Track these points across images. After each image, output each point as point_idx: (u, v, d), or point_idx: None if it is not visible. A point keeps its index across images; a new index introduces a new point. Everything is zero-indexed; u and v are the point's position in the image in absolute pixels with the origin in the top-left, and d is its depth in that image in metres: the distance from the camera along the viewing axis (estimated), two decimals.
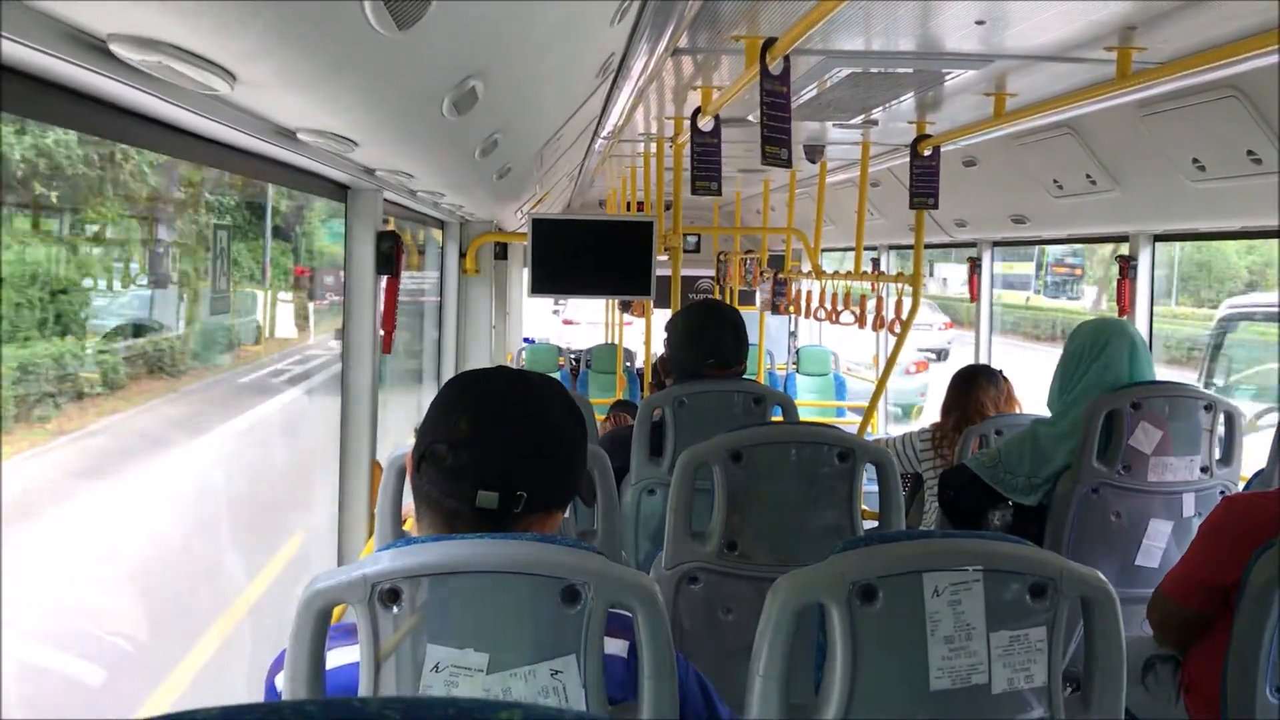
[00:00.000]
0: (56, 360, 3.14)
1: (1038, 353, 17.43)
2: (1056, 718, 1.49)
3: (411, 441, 1.52)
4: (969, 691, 1.45)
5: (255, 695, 1.72)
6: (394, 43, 1.49)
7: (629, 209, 9.24)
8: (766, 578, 1.58)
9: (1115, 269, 4.79)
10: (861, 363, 11.51)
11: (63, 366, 3.19)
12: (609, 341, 10.88)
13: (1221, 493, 3.08)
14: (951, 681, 1.44)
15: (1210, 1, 2.72)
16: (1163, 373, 3.38)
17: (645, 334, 6.34)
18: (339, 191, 3.22)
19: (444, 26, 1.60)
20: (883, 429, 8.10)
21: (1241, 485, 3.13)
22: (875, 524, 2.44)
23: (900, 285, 5.46)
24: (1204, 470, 3.06)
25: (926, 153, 4.81)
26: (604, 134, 5.24)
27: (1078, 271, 25.64)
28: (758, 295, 8.30)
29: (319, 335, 6.83)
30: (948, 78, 3.84)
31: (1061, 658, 1.49)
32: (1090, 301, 24.41)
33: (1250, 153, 3.55)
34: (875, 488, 2.36)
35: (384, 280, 3.37)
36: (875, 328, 5.92)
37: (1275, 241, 3.92)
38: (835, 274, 6.56)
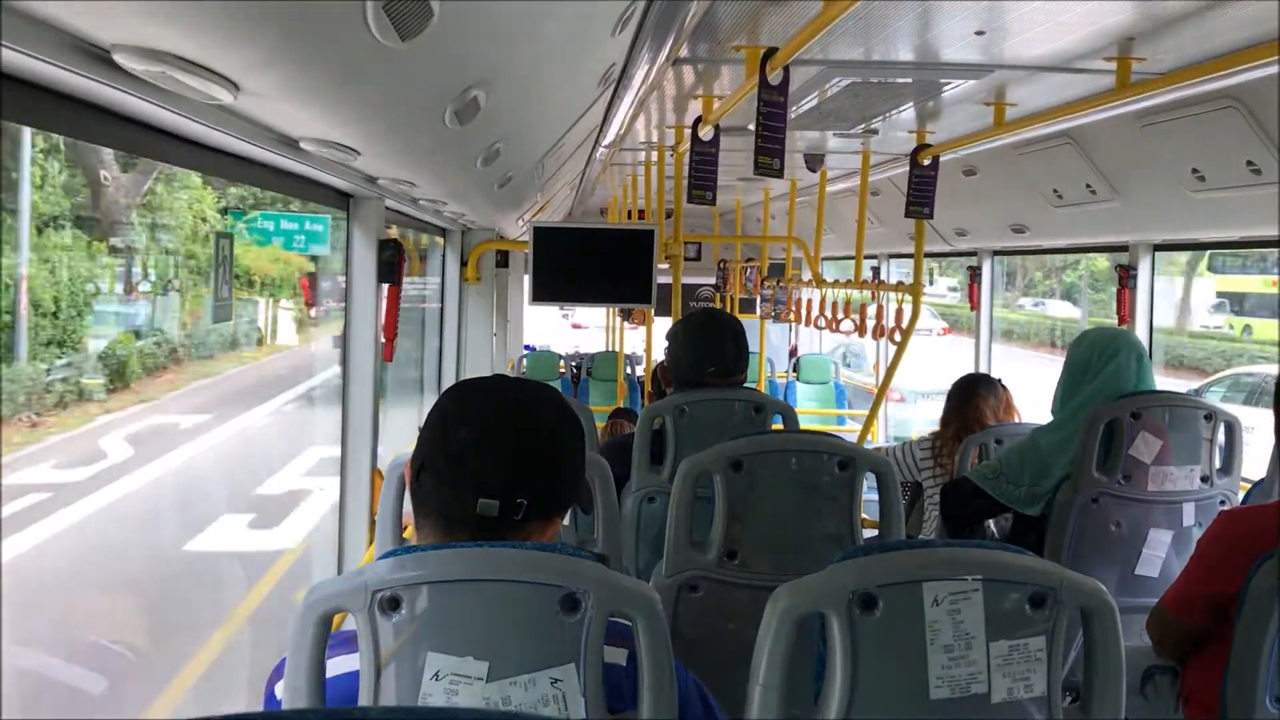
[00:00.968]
0: None
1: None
2: None
3: (411, 449, 1.52)
4: (968, 701, 1.45)
5: (255, 703, 1.72)
6: (397, 53, 1.50)
7: (630, 217, 9.25)
8: (766, 586, 1.58)
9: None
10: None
11: None
12: (611, 349, 10.88)
13: (1222, 502, 3.08)
14: (951, 691, 1.44)
15: (1210, 12, 2.73)
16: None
17: (646, 342, 6.35)
18: (341, 200, 3.22)
19: (446, 37, 1.61)
20: (883, 438, 8.10)
21: (1241, 495, 3.12)
22: (875, 533, 2.44)
23: (900, 294, 5.47)
24: (1204, 480, 3.06)
25: (926, 162, 4.82)
26: (605, 143, 5.25)
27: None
28: (758, 304, 8.31)
29: None
30: (947, 88, 3.85)
31: (1061, 667, 1.49)
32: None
33: (1250, 163, 3.55)
34: (875, 496, 2.36)
35: (385, 288, 3.38)
36: (875, 336, 5.92)
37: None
38: (835, 282, 6.57)
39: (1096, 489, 3.03)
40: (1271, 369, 13.98)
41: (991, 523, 3.41)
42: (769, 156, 3.04)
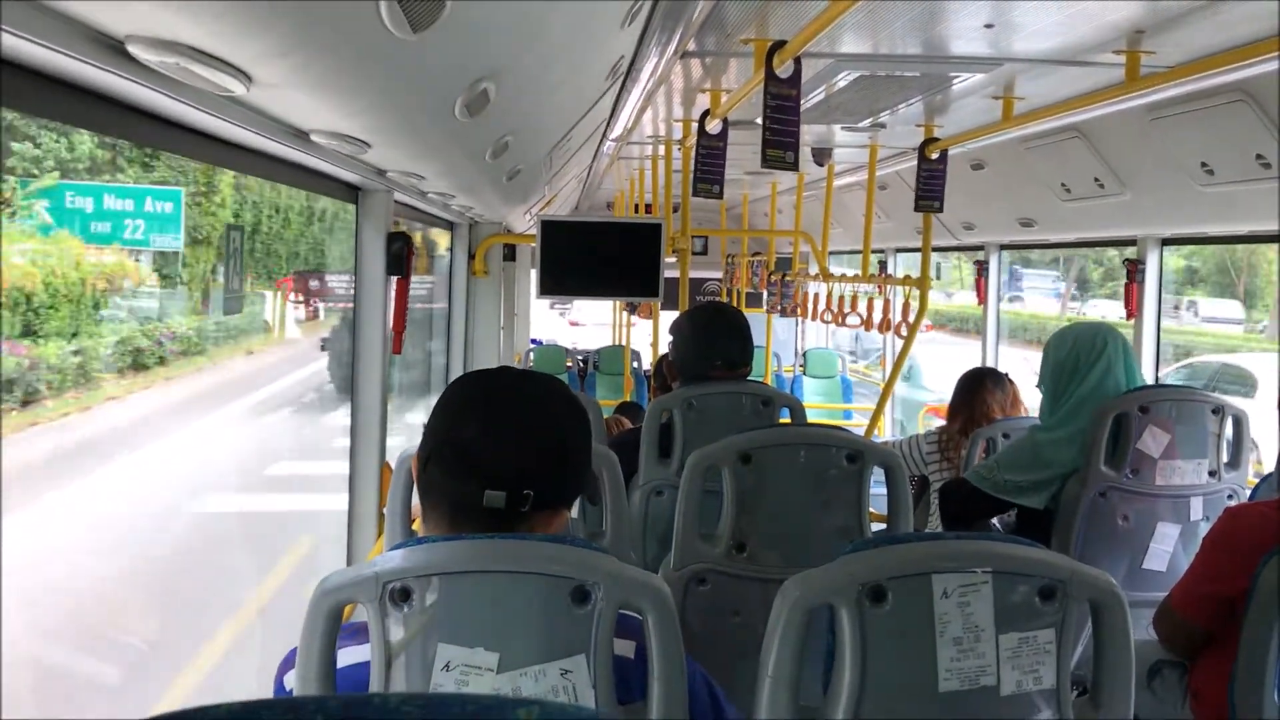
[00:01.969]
0: None
1: None
2: None
3: (419, 441, 1.53)
4: (978, 693, 1.45)
5: (265, 692, 1.73)
6: (408, 45, 1.50)
7: (637, 211, 9.25)
8: (775, 579, 1.58)
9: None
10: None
11: None
12: (616, 343, 10.88)
13: (1230, 496, 3.08)
14: (960, 683, 1.44)
15: (1219, 5, 2.72)
16: None
17: (653, 336, 6.35)
18: (350, 193, 3.23)
19: (457, 29, 1.61)
20: (889, 431, 8.10)
21: (1249, 489, 3.12)
22: (883, 526, 2.45)
23: (907, 289, 5.46)
24: (1212, 474, 3.06)
25: (934, 156, 4.81)
26: (613, 136, 5.25)
27: None
28: (764, 298, 8.31)
29: None
30: (956, 81, 3.85)
31: (1070, 660, 1.49)
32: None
33: (1259, 156, 3.55)
34: (883, 490, 2.36)
35: (394, 281, 3.38)
36: (882, 330, 5.92)
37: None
38: (843, 277, 6.57)
39: (1104, 483, 3.03)
40: None
41: (996, 520, 3.41)
42: (779, 150, 3.04)
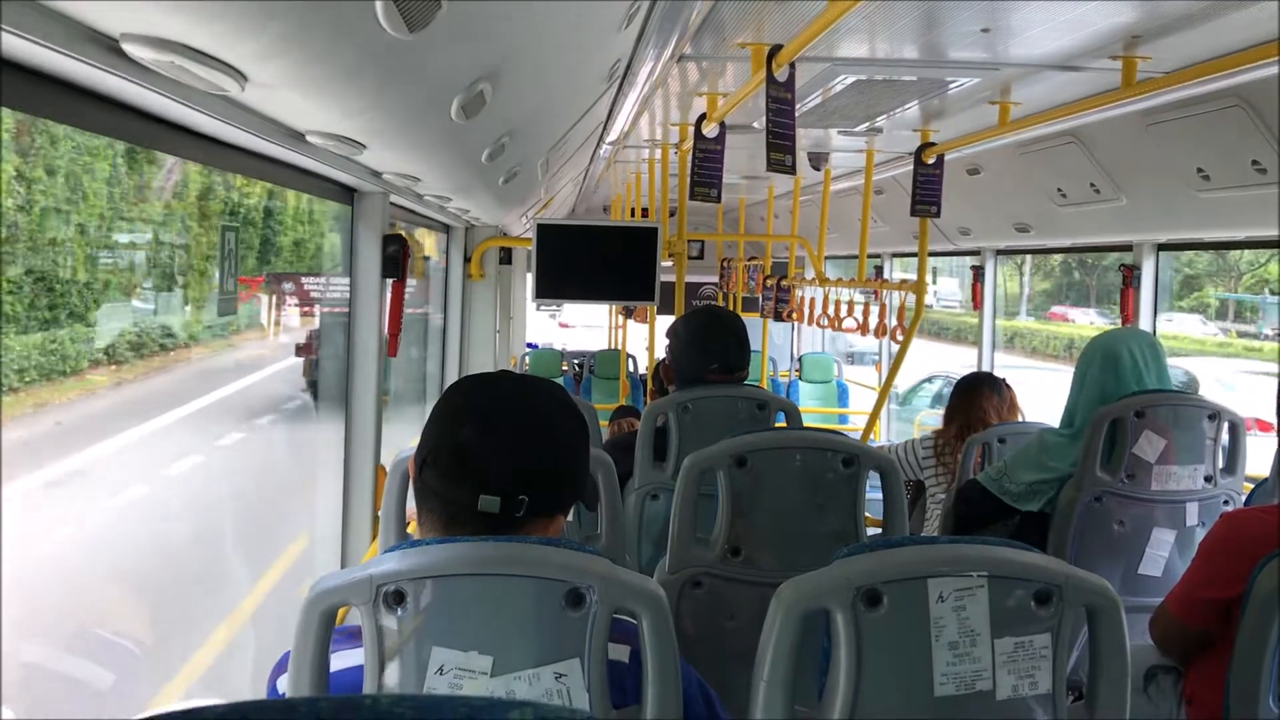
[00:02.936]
0: None
1: None
2: None
3: (415, 444, 1.52)
4: (973, 698, 1.44)
5: (257, 696, 1.72)
6: (404, 45, 1.50)
7: (633, 215, 9.25)
8: (770, 583, 1.57)
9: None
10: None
11: None
12: (611, 347, 10.88)
13: (1225, 502, 3.07)
14: (955, 688, 1.44)
15: (1215, 11, 2.73)
16: None
17: (649, 340, 6.35)
18: (345, 194, 3.22)
19: (454, 30, 1.61)
20: (885, 436, 8.10)
21: (1244, 495, 3.12)
22: (878, 530, 2.44)
23: (903, 293, 5.47)
24: (1208, 479, 3.06)
25: (930, 161, 4.81)
26: (609, 139, 5.26)
27: None
28: (760, 303, 8.32)
29: None
30: (952, 86, 3.85)
31: (1066, 665, 1.49)
32: None
33: (1255, 163, 3.55)
34: (879, 494, 2.36)
35: (389, 283, 3.38)
36: (878, 335, 5.92)
37: None
38: (839, 281, 6.57)
39: (1100, 488, 3.03)
40: None
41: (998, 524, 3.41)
42: (781, 153, 3.04)
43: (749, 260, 9.26)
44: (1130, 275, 4.82)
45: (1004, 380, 4.35)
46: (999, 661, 1.45)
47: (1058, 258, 23.18)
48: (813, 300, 7.12)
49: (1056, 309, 28.53)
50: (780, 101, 3.06)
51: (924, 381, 13.48)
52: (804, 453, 2.31)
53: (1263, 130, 3.42)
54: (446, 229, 5.77)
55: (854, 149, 5.79)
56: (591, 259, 4.92)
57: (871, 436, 5.92)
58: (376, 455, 3.41)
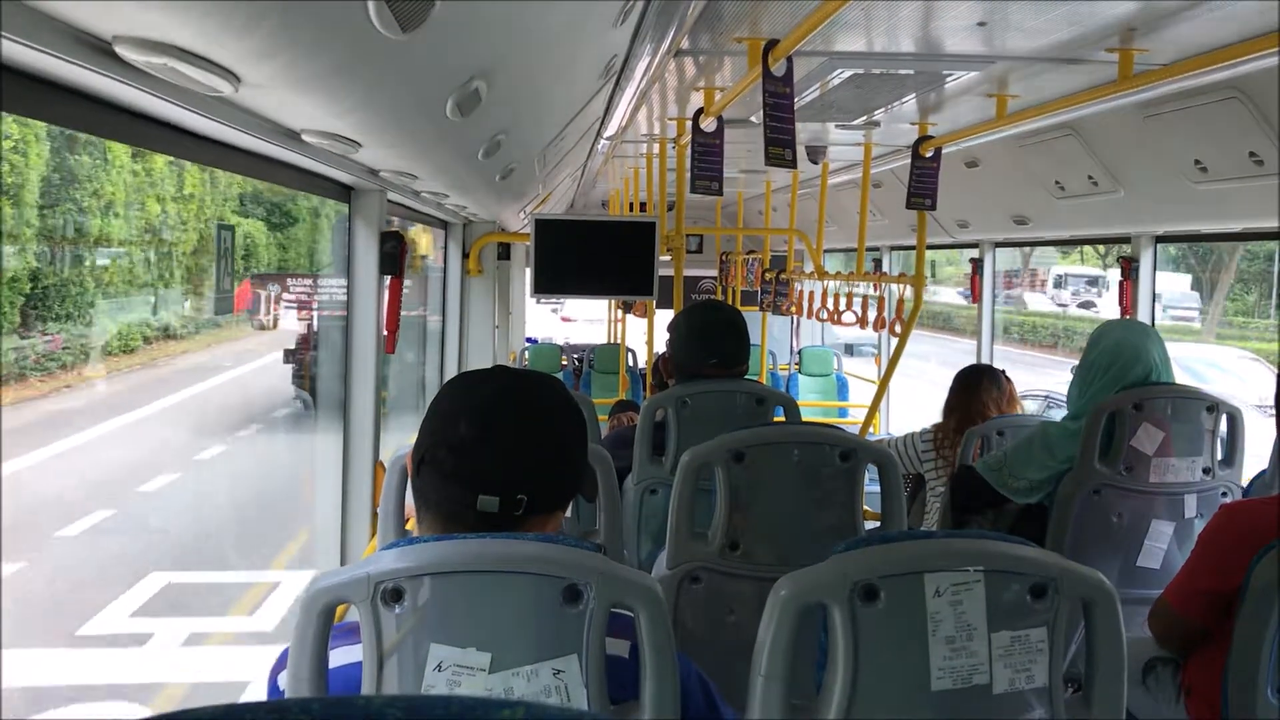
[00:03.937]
0: None
1: None
2: (1057, 718, 1.50)
3: (413, 440, 1.52)
4: (970, 692, 1.45)
5: (258, 694, 1.73)
6: (398, 44, 1.50)
7: (631, 209, 9.25)
8: (768, 578, 1.58)
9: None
10: None
11: None
12: (611, 341, 10.88)
13: (1224, 494, 3.08)
14: (953, 682, 1.44)
15: (1212, 3, 2.73)
16: None
17: (648, 334, 6.35)
18: (343, 192, 3.23)
19: (447, 28, 1.61)
20: (884, 429, 8.10)
21: (1243, 486, 3.13)
22: (877, 524, 2.45)
23: (902, 286, 5.47)
24: (1206, 472, 3.06)
25: (928, 154, 4.81)
26: (607, 135, 5.25)
27: None
28: (759, 296, 8.31)
29: None
30: (949, 79, 3.85)
31: (1063, 658, 1.50)
32: None
33: (1252, 154, 3.55)
34: (877, 488, 2.36)
35: (387, 281, 3.38)
36: (876, 328, 5.92)
37: None
38: (837, 274, 6.57)
39: (1098, 480, 3.03)
40: None
41: (990, 513, 3.41)
42: (779, 147, 3.04)
43: (747, 254, 9.25)
44: (1128, 268, 4.82)
45: (1003, 372, 4.35)
46: (996, 655, 1.45)
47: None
48: (811, 294, 7.12)
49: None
50: (778, 96, 3.05)
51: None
52: (802, 447, 2.31)
53: (1260, 122, 3.42)
54: (444, 225, 5.77)
55: (852, 142, 5.79)
56: (590, 254, 4.92)
57: (871, 430, 5.92)
58: (375, 452, 3.41)
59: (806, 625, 1.46)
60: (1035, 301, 29.80)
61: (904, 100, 4.31)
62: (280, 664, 1.40)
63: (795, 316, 8.78)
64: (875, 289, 5.97)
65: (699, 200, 5.42)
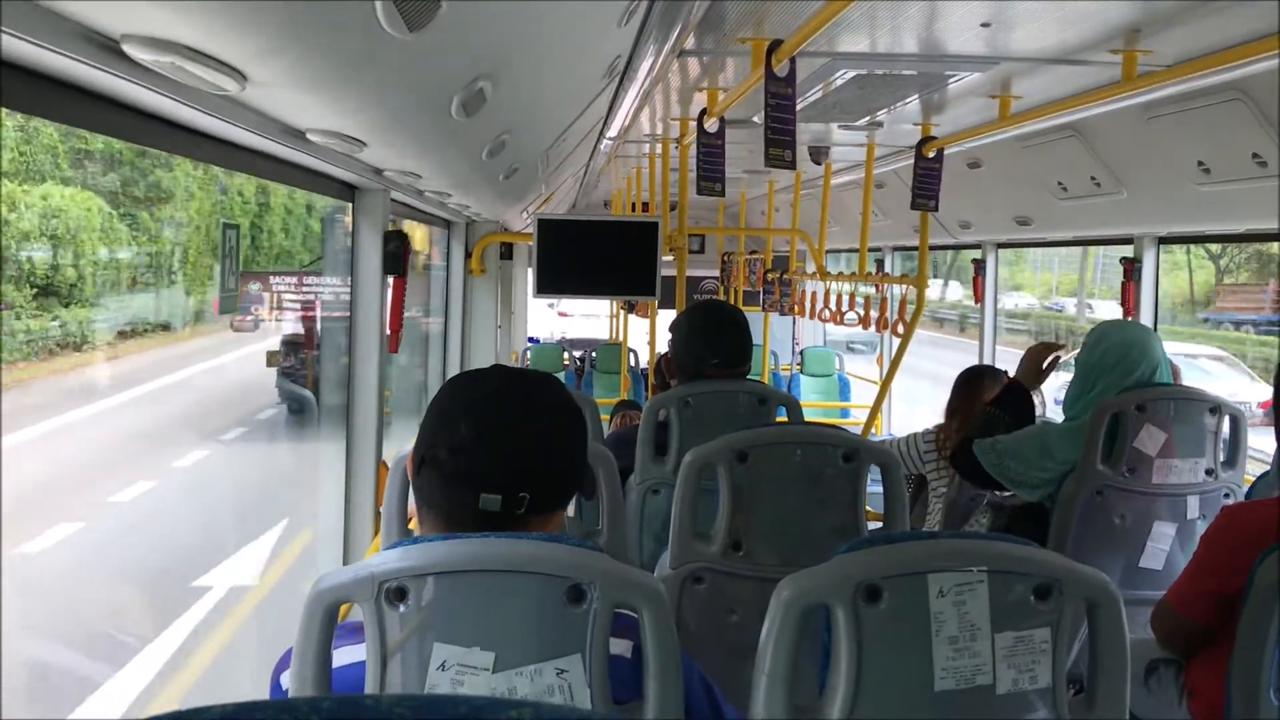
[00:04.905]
0: None
1: None
2: (1061, 719, 1.50)
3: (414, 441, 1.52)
4: (973, 692, 1.45)
5: (260, 692, 1.73)
6: (404, 44, 1.50)
7: (634, 209, 9.25)
8: (771, 578, 1.58)
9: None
10: None
11: None
12: (612, 337, 10.88)
13: (1226, 495, 3.08)
14: (956, 682, 1.44)
15: (1215, 5, 2.73)
16: None
17: (650, 334, 6.35)
18: (346, 191, 3.23)
19: (454, 28, 1.61)
20: (886, 430, 8.11)
21: (1245, 488, 3.13)
22: (880, 525, 2.45)
23: (904, 287, 5.47)
24: (1209, 473, 3.06)
25: (931, 155, 4.81)
26: (610, 135, 5.25)
27: None
28: (761, 297, 8.32)
29: None
30: (952, 80, 3.85)
31: (1066, 659, 1.50)
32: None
33: (1255, 155, 3.55)
34: (880, 489, 2.36)
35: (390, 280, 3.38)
36: (879, 328, 5.93)
37: None
38: (840, 275, 6.57)
39: (1101, 481, 3.03)
40: None
41: (995, 494, 3.42)
42: (780, 148, 3.04)
43: (750, 254, 9.25)
44: (1131, 269, 4.82)
45: (1005, 372, 4.35)
46: (999, 656, 1.45)
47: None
48: (814, 294, 7.12)
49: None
50: (780, 97, 3.05)
51: None
52: (804, 448, 2.31)
53: (1263, 123, 3.42)
54: (447, 224, 5.78)
55: (854, 143, 5.79)
56: (592, 254, 4.92)
57: (873, 430, 5.92)
58: (378, 452, 3.42)
59: (809, 626, 1.46)
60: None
61: (907, 101, 4.31)
62: (283, 663, 1.40)
63: (796, 317, 8.78)
64: (878, 289, 5.98)
65: (701, 200, 5.43)
